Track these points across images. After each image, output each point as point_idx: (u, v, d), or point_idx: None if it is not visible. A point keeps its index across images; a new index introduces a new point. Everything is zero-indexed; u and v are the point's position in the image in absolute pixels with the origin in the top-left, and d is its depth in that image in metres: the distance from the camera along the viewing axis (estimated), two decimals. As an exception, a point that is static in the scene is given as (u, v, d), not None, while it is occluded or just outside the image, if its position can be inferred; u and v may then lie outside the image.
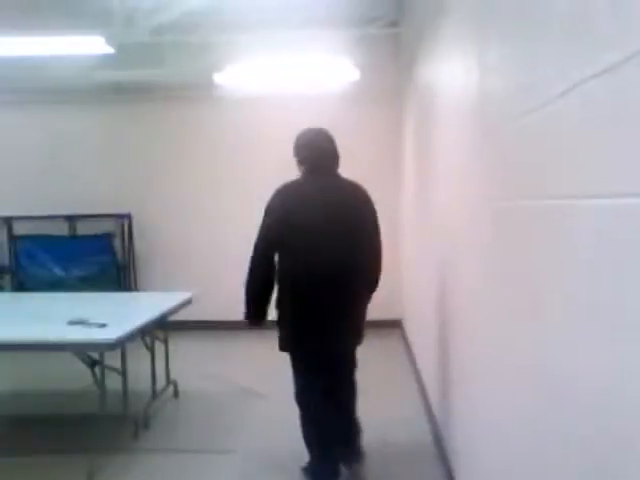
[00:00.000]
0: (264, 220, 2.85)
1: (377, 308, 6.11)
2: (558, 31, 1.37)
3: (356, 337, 2.96)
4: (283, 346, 2.91)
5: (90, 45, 4.13)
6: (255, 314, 2.90)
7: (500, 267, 1.95)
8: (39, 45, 4.20)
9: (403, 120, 5.95)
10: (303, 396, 2.96)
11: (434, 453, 3.27)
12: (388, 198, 6.21)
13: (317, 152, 2.95)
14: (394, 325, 6.12)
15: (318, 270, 2.73)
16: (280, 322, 2.86)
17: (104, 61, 4.91)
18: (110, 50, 4.20)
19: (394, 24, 5.67)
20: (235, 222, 6.34)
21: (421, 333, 4.41)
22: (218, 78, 5.21)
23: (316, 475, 2.89)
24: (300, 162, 2.98)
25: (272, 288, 2.87)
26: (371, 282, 3.07)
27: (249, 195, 6.31)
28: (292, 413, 3.92)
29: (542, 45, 1.49)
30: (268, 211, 2.85)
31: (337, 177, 2.97)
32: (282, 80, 5.50)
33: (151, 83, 6.02)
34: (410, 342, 5.26)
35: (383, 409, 4.00)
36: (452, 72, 2.87)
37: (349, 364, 3.08)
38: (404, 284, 5.83)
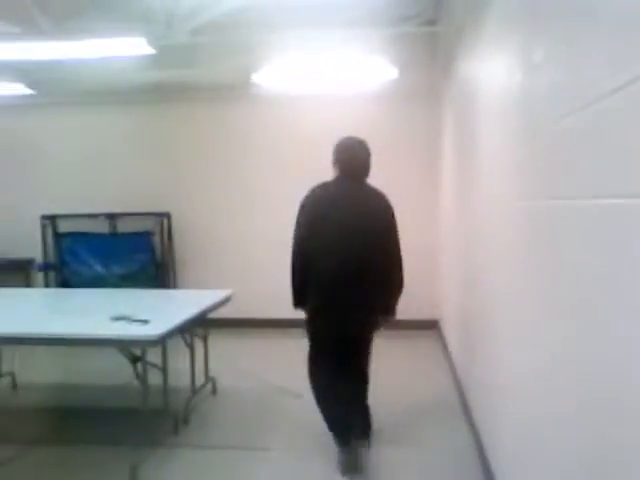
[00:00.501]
0: (298, 217, 3.21)
1: (415, 308, 6.14)
2: (608, 27, 1.35)
3: (367, 327, 3.25)
4: (306, 329, 3.29)
5: (132, 47, 4.20)
6: (299, 300, 3.26)
7: (541, 267, 1.92)
8: (83, 48, 4.30)
9: (441, 119, 5.90)
10: (314, 378, 3.29)
11: (475, 457, 3.23)
12: (425, 197, 6.19)
13: (351, 159, 3.28)
14: (432, 326, 6.07)
15: (335, 263, 3.05)
16: (305, 308, 3.25)
17: (144, 62, 4.98)
18: (151, 51, 4.27)
19: (431, 22, 5.62)
20: (273, 222, 6.39)
21: (458, 334, 4.37)
22: (256, 78, 5.24)
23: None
24: (335, 163, 3.31)
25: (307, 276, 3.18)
26: (392, 281, 3.25)
27: (289, 195, 6.35)
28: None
29: (591, 42, 1.46)
30: (301, 209, 3.22)
31: (364, 184, 3.30)
32: (319, 79, 5.51)
33: (190, 83, 6.10)
34: (447, 343, 5.21)
35: (417, 409, 3.99)
36: (494, 70, 2.84)
37: (361, 353, 3.33)
38: (442, 284, 5.77)
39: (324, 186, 3.25)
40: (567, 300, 1.66)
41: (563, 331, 1.69)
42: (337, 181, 3.27)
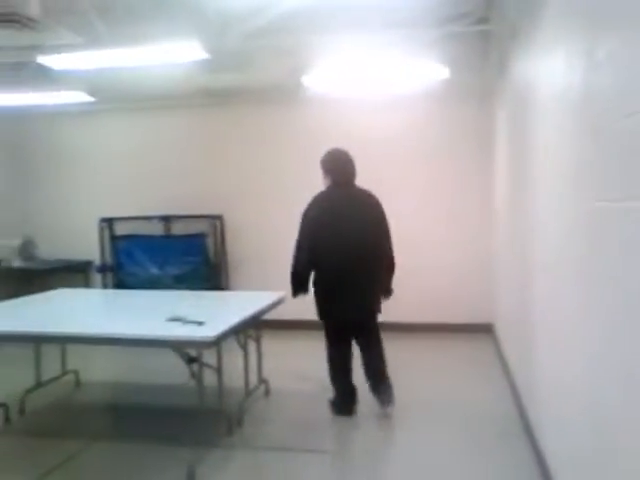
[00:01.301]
0: (304, 220, 3.78)
1: (466, 311, 6.03)
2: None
3: (372, 307, 3.86)
4: (319, 315, 3.84)
5: (188, 52, 4.29)
6: (297, 290, 3.81)
7: (605, 270, 1.85)
8: (140, 55, 4.41)
9: (493, 119, 5.79)
10: (331, 355, 3.92)
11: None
12: (478, 199, 6.08)
13: (343, 167, 3.89)
14: (485, 329, 5.95)
15: (341, 255, 3.65)
16: (316, 296, 3.79)
17: (198, 67, 5.07)
18: (205, 56, 4.34)
19: (484, 21, 5.52)
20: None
21: (515, 338, 4.27)
22: (306, 80, 5.27)
23: (336, 407, 3.90)
24: (328, 173, 3.90)
25: (311, 270, 3.77)
26: (388, 264, 3.90)
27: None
28: (382, 415, 3.94)
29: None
30: (307, 213, 3.80)
31: (354, 187, 3.90)
32: (369, 81, 5.49)
33: (242, 86, 6.18)
34: (502, 348, 5.09)
35: (471, 417, 3.91)
36: (552, 69, 2.76)
37: (372, 329, 3.94)
38: (496, 287, 5.65)
39: (324, 194, 3.84)
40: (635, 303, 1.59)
41: (636, 340, 1.63)
42: (334, 187, 3.84)
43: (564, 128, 2.49)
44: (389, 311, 6.25)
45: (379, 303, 3.90)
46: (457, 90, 5.89)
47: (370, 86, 5.74)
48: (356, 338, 3.93)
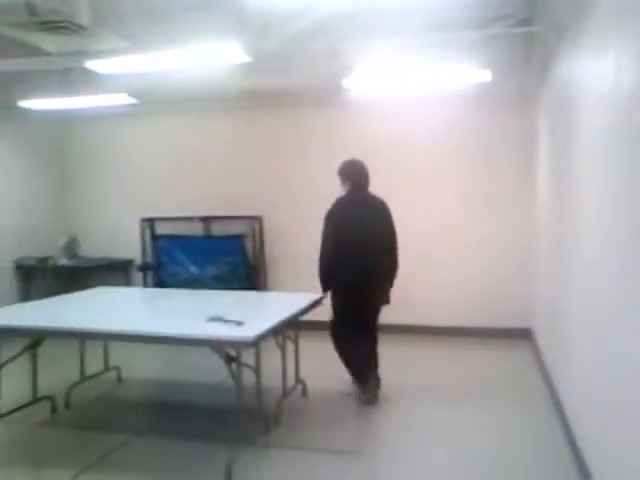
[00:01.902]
0: (328, 220, 4.24)
1: (503, 315, 5.94)
2: None
3: (380, 300, 4.30)
4: (335, 308, 4.24)
5: (229, 54, 4.34)
6: (327, 286, 4.23)
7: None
8: (182, 58, 4.48)
9: (535, 121, 5.70)
10: (338, 341, 4.34)
11: None
12: (518, 201, 6.00)
13: (360, 176, 4.39)
14: (524, 335, 5.85)
15: (359, 252, 4.12)
16: (333, 291, 4.23)
17: (238, 69, 5.13)
18: (247, 59, 4.39)
19: (526, 22, 5.44)
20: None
21: (556, 343, 4.19)
22: (347, 83, 5.28)
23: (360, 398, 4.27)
24: (346, 180, 4.39)
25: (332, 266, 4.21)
26: (393, 261, 4.38)
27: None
28: (419, 418, 3.93)
29: None
30: (331, 214, 4.26)
31: (368, 192, 4.40)
32: (410, 84, 5.47)
33: (282, 89, 6.23)
34: (541, 353, 5.00)
35: (508, 424, 3.86)
36: (600, 70, 2.71)
37: (374, 324, 4.38)
38: (536, 290, 5.56)
39: (346, 198, 4.32)
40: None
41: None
42: (353, 192, 4.33)
43: (612, 131, 2.44)
44: (423, 314, 6.26)
45: (386, 297, 4.36)
46: (498, 93, 5.83)
47: (410, 89, 5.73)
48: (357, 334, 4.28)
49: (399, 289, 6.34)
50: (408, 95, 5.95)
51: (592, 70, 2.89)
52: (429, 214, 6.26)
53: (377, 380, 4.32)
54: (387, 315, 5.73)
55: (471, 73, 5.22)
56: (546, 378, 4.52)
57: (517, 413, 4.02)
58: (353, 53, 5.04)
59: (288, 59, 5.34)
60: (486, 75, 5.24)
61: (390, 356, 4.79)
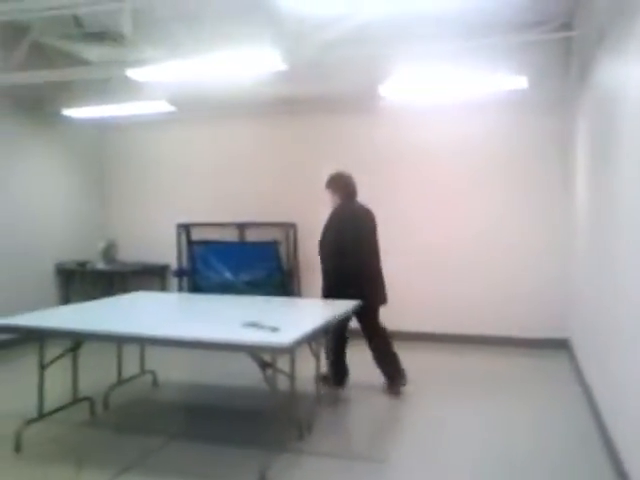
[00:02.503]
0: (335, 227, 4.56)
1: (539, 325, 5.83)
2: None
3: (381, 297, 4.68)
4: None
5: (266, 62, 4.39)
6: (334, 293, 4.42)
7: None
8: (218, 66, 4.54)
9: (573, 128, 5.59)
10: (339, 344, 4.58)
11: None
12: (556, 208, 5.90)
13: (352, 186, 4.75)
14: (560, 345, 5.74)
15: (362, 253, 4.52)
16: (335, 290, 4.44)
17: (274, 77, 5.18)
18: (284, 67, 4.43)
19: (566, 27, 5.37)
20: (398, 232, 6.39)
21: (596, 355, 4.09)
22: (383, 90, 5.28)
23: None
24: (335, 192, 4.71)
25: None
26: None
27: (414, 204, 6.35)
28: (453, 426, 3.89)
29: None
30: (335, 224, 4.58)
31: (357, 202, 4.74)
32: (446, 90, 5.44)
33: (317, 96, 6.28)
34: (580, 365, 4.88)
35: (546, 437, 3.78)
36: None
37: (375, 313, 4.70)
38: (574, 300, 5.44)
39: (344, 207, 4.65)
40: None
41: None
42: (349, 202, 4.68)
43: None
44: (456, 322, 6.19)
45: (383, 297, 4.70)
46: (535, 99, 5.78)
47: (446, 95, 5.70)
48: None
49: (433, 296, 6.29)
50: (444, 101, 5.93)
51: (636, 75, 2.83)
52: (464, 220, 6.21)
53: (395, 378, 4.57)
54: (421, 323, 5.74)
55: (507, 80, 5.17)
56: (584, 387, 4.44)
57: (553, 420, 3.95)
58: (389, 60, 5.05)
59: (324, 66, 5.38)
60: (522, 82, 5.18)
61: (423, 363, 4.75)
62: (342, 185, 4.72)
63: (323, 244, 4.60)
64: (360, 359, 4.65)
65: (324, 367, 4.37)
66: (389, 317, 6.28)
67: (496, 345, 5.95)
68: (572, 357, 5.36)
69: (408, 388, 4.57)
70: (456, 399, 4.50)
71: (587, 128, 4.65)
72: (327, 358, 4.35)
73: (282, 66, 4.36)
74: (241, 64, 4.47)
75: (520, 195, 6.04)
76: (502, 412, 4.22)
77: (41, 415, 3.78)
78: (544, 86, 5.67)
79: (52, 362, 3.79)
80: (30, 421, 3.69)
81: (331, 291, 4.48)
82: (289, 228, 6.63)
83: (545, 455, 3.46)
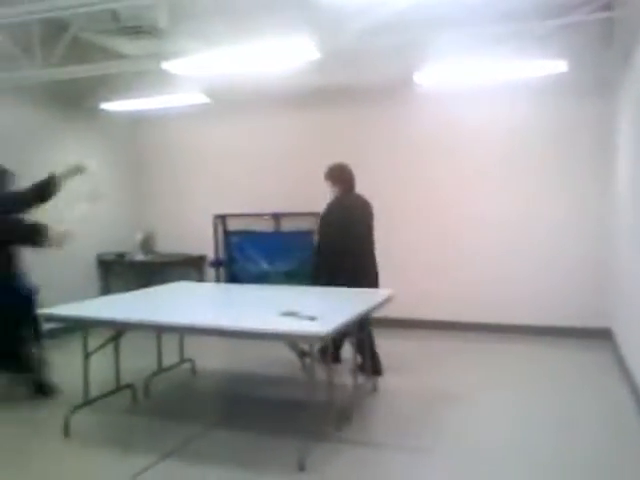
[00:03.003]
0: (334, 217, 4.66)
1: (579, 313, 5.72)
2: None
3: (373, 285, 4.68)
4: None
5: (301, 52, 4.38)
6: (322, 281, 4.59)
7: None
8: (252, 56, 4.54)
9: (615, 111, 5.44)
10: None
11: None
12: (597, 193, 5.77)
13: (351, 178, 4.85)
14: (601, 335, 5.61)
15: (353, 244, 4.62)
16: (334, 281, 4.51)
17: (310, 66, 5.17)
18: (319, 56, 4.41)
19: (607, 7, 5.20)
20: (434, 221, 6.35)
21: None
22: (418, 77, 5.22)
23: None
24: (335, 183, 4.81)
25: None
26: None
27: (451, 193, 6.29)
28: (487, 418, 3.86)
29: None
30: (335, 213, 4.68)
31: (356, 193, 4.87)
32: (483, 76, 5.34)
33: (352, 85, 6.25)
34: (623, 355, 4.77)
35: (588, 432, 3.72)
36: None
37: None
38: (616, 287, 5.31)
39: (344, 198, 4.77)
40: None
41: None
42: (349, 193, 4.81)
43: None
44: (490, 311, 6.11)
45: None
46: (575, 83, 5.63)
47: (482, 81, 5.60)
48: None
49: (469, 285, 6.22)
50: (480, 88, 5.83)
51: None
52: (500, 206, 6.12)
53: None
54: (455, 313, 5.66)
55: (547, 64, 5.04)
56: (629, 379, 4.33)
57: (594, 412, 3.88)
58: (425, 47, 4.97)
59: (359, 55, 5.33)
60: (562, 65, 5.05)
61: (459, 353, 4.70)
62: (342, 177, 4.83)
63: (322, 233, 4.73)
64: (393, 349, 4.63)
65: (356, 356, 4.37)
66: (423, 307, 6.29)
67: (533, 334, 5.86)
68: (614, 347, 5.24)
69: (445, 378, 4.55)
70: (494, 389, 4.45)
71: (632, 110, 4.51)
72: (361, 349, 4.33)
73: (317, 55, 4.34)
74: (276, 54, 4.47)
75: (557, 180, 5.92)
76: (542, 403, 4.16)
77: (87, 401, 3.89)
78: (584, 69, 5.52)
79: (95, 351, 3.89)
80: (77, 407, 3.81)
81: (320, 280, 4.63)
82: (324, 218, 6.63)
83: (588, 447, 3.41)
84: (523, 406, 4.11)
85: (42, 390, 4.37)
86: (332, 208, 4.75)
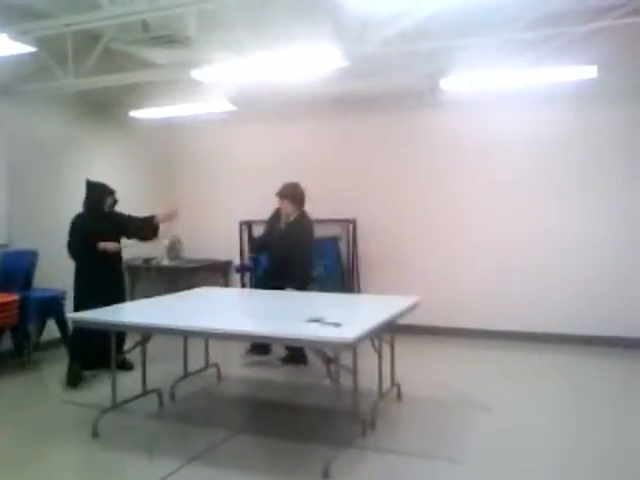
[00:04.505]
0: (311, 235, 5.24)
1: (624, 323, 5.57)
2: None
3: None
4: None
5: (327, 60, 4.40)
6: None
7: None
8: (278, 64, 4.58)
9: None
10: None
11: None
12: (633, 198, 5.66)
13: (303, 196, 5.30)
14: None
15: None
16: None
17: (334, 73, 5.19)
18: (344, 63, 4.43)
19: (637, 12, 5.12)
20: (459, 228, 6.31)
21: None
22: (445, 84, 5.20)
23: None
24: (293, 201, 5.22)
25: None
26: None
27: (475, 200, 6.24)
28: (514, 427, 3.80)
29: None
30: (311, 229, 5.25)
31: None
32: (511, 82, 5.30)
33: (377, 92, 6.25)
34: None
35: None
36: None
37: None
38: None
39: (305, 214, 5.29)
40: None
41: None
42: (303, 209, 5.31)
43: None
44: (529, 320, 6.01)
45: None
46: (605, 89, 5.54)
47: (511, 87, 5.55)
48: None
49: (499, 293, 6.13)
50: (509, 94, 5.78)
51: None
52: (532, 213, 6.06)
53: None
54: (494, 321, 5.49)
55: (576, 70, 4.99)
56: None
57: (626, 423, 3.80)
58: (452, 53, 4.96)
59: (385, 62, 5.34)
60: (592, 71, 4.99)
61: (498, 362, 4.62)
62: (299, 194, 5.23)
63: (295, 250, 5.06)
64: (415, 356, 4.58)
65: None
66: (459, 316, 6.21)
67: (576, 344, 5.74)
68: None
69: (471, 386, 4.50)
70: (523, 398, 4.40)
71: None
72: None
73: (342, 63, 4.36)
74: (302, 62, 4.50)
75: (592, 185, 5.81)
76: (575, 413, 4.09)
77: (114, 405, 3.95)
78: (615, 75, 5.44)
79: (123, 355, 3.95)
80: (105, 410, 3.87)
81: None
82: (348, 224, 6.64)
83: (625, 461, 3.34)
84: (553, 416, 4.04)
85: (125, 366, 4.82)
86: (309, 225, 5.25)
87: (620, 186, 5.70)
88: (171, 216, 5.25)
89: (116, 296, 4.73)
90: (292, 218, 5.23)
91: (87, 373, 4.83)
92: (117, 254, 5.03)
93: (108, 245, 4.83)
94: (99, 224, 4.90)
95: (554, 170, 5.93)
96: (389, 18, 4.46)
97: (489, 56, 4.95)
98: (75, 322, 4.26)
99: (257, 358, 5.34)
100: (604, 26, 5.01)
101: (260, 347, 5.25)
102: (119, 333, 4.35)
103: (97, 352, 4.62)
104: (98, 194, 4.98)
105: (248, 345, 5.31)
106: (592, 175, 5.79)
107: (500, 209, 6.16)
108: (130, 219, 5.17)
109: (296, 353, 5.09)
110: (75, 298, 4.83)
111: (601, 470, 3.20)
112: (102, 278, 4.81)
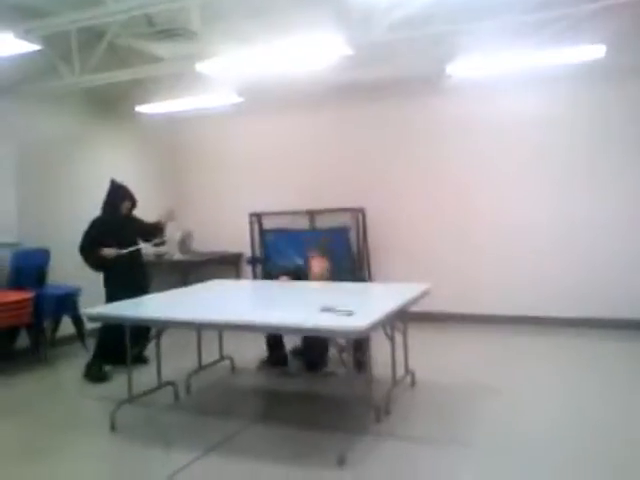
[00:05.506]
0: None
1: (633, 306, 5.56)
2: None
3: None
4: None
5: (332, 48, 4.38)
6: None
7: None
8: (283, 53, 4.56)
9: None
10: None
11: None
12: (635, 185, 5.61)
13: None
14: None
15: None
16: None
17: (339, 63, 5.16)
18: (350, 52, 4.40)
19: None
20: (468, 216, 6.29)
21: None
22: (451, 69, 5.16)
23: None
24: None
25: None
26: None
27: (485, 188, 6.22)
28: (527, 411, 3.80)
29: None
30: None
31: None
32: (518, 64, 5.24)
33: (383, 80, 6.22)
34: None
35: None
36: None
37: None
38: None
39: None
40: None
41: None
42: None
43: None
44: (538, 304, 6.00)
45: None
46: (613, 69, 5.48)
47: (518, 70, 5.49)
48: None
49: (508, 278, 6.11)
50: (515, 76, 5.72)
51: None
52: (540, 196, 6.02)
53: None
54: (496, 306, 5.51)
55: (584, 50, 4.92)
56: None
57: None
58: (457, 37, 4.91)
59: (390, 49, 5.30)
60: (600, 50, 4.93)
61: (500, 348, 4.61)
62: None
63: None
64: (427, 343, 4.58)
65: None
66: (469, 302, 6.20)
67: (585, 326, 5.74)
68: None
69: (484, 372, 4.50)
70: (536, 382, 4.41)
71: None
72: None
73: (348, 51, 4.33)
74: (308, 51, 4.47)
75: (606, 167, 5.78)
76: (586, 396, 4.09)
77: (131, 398, 3.99)
78: (623, 54, 5.37)
79: (137, 348, 3.98)
80: (122, 403, 3.91)
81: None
82: (358, 213, 6.64)
83: (634, 440, 3.33)
84: (567, 399, 4.04)
85: (140, 360, 4.83)
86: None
87: (629, 169, 5.65)
88: (171, 216, 5.32)
89: (142, 285, 5.00)
90: None
91: (106, 368, 4.89)
92: (137, 251, 5.12)
93: (106, 252, 4.85)
94: (117, 228, 5.00)
95: (561, 153, 5.89)
96: (394, 4, 4.42)
97: (496, 39, 4.89)
98: (103, 320, 4.32)
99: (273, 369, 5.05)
100: (611, 3, 4.94)
101: (276, 360, 5.01)
102: (145, 328, 4.42)
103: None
104: (120, 195, 5.11)
105: (264, 356, 5.06)
106: (600, 158, 5.75)
107: (509, 194, 6.13)
108: (143, 224, 5.27)
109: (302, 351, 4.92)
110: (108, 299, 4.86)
111: (611, 452, 3.20)
112: (127, 272, 4.93)
